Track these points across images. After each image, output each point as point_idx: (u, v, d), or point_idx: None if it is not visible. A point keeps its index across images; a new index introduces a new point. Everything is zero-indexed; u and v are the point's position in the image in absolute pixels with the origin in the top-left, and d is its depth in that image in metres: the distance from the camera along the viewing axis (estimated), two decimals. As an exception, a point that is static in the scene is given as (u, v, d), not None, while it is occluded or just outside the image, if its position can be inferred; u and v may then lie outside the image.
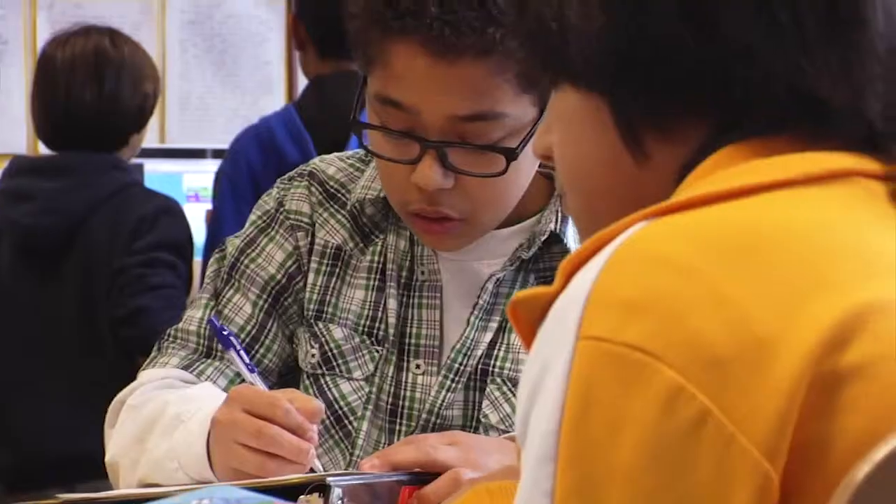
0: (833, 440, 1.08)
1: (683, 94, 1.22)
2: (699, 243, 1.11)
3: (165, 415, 1.92)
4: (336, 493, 1.63)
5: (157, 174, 4.15)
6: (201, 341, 2.04)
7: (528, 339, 1.16)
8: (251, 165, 3.66)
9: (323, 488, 1.63)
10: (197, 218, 3.89)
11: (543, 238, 1.98)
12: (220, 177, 3.76)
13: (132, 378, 2.06)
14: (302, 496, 1.63)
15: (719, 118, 1.21)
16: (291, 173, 2.09)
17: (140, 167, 4.03)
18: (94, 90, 3.76)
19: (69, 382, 3.63)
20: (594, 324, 1.09)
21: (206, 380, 2.01)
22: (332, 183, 2.05)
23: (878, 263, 1.12)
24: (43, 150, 3.94)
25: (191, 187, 4.22)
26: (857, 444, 1.07)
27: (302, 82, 4.06)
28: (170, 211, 3.80)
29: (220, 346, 2.01)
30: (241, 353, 1.91)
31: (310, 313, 2.03)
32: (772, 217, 1.14)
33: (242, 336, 2.01)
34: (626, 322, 1.08)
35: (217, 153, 3.99)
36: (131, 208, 3.75)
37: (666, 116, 1.23)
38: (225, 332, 1.94)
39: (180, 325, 2.06)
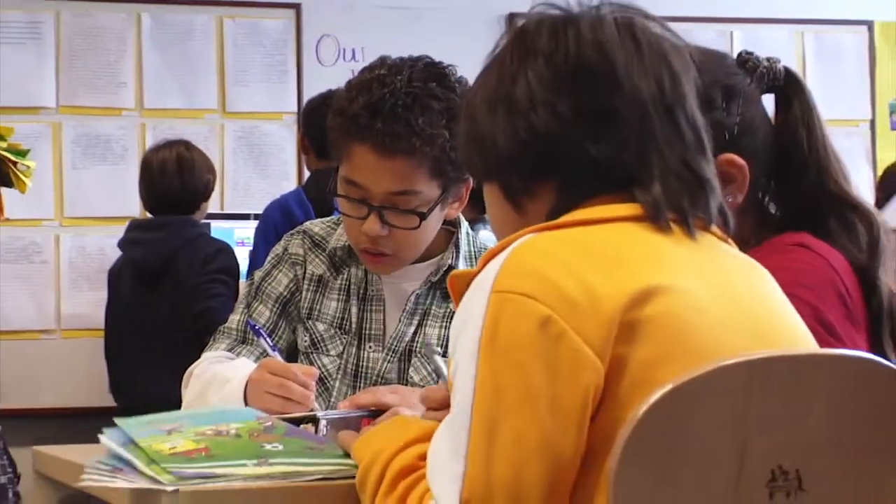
0: (631, 359, 1.12)
1: (534, 176, 1.25)
2: (564, 246, 1.17)
3: (217, 378, 1.90)
4: (323, 423, 1.62)
5: (218, 229, 4.10)
6: (239, 335, 2.01)
7: (458, 299, 1.20)
8: (275, 224, 3.60)
9: (314, 420, 1.62)
10: (243, 257, 3.87)
11: (445, 269, 1.97)
12: (256, 232, 3.74)
13: (200, 351, 2.03)
14: (301, 424, 1.61)
15: (558, 183, 1.24)
16: (292, 231, 2.07)
17: (208, 224, 3.99)
18: (177, 180, 3.76)
19: (162, 355, 3.60)
20: (502, 283, 1.14)
21: (242, 357, 1.98)
22: (316, 237, 2.03)
23: (661, 262, 1.18)
24: (147, 214, 3.92)
25: (239, 237, 4.15)
26: (643, 364, 1.12)
27: (306, 174, 4.05)
28: (225, 251, 3.79)
29: (252, 337, 1.98)
30: (267, 339, 1.90)
31: (304, 315, 2.00)
32: (604, 236, 1.19)
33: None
34: (521, 282, 1.13)
35: (256, 216, 3.95)
36: (202, 249, 3.73)
37: (532, 188, 1.25)
38: (257, 328, 1.93)
39: (226, 325, 2.03)
